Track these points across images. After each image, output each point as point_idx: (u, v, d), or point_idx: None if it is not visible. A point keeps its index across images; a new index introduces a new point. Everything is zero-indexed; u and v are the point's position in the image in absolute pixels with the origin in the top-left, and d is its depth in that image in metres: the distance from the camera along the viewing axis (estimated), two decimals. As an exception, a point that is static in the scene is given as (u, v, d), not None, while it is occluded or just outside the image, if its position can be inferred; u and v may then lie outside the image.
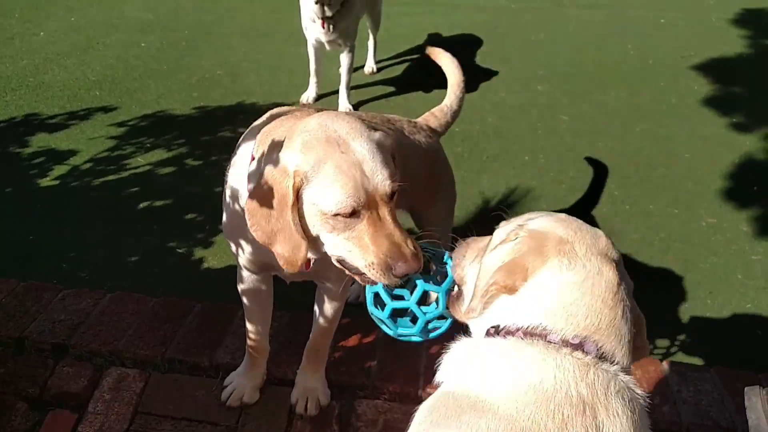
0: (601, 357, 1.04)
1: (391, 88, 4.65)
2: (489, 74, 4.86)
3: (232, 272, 2.80)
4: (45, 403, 1.98)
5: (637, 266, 2.96)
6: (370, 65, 4.87)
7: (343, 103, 4.29)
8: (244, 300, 1.93)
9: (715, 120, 4.30)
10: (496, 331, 1.11)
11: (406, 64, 5.04)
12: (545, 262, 1.10)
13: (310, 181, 1.38)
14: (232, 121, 3.95)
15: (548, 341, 1.04)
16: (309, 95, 4.39)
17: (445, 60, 2.49)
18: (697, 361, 2.42)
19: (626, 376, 1.05)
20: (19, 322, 2.19)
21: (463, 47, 5.30)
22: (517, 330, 1.07)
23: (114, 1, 6.15)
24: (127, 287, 2.52)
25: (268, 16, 5.92)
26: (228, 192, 1.69)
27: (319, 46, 4.19)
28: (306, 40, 4.24)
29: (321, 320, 1.91)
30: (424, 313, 1.37)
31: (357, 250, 1.40)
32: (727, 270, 2.99)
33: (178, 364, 2.10)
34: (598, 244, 1.14)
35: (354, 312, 2.45)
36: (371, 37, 4.80)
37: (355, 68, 4.39)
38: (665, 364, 2.23)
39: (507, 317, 1.11)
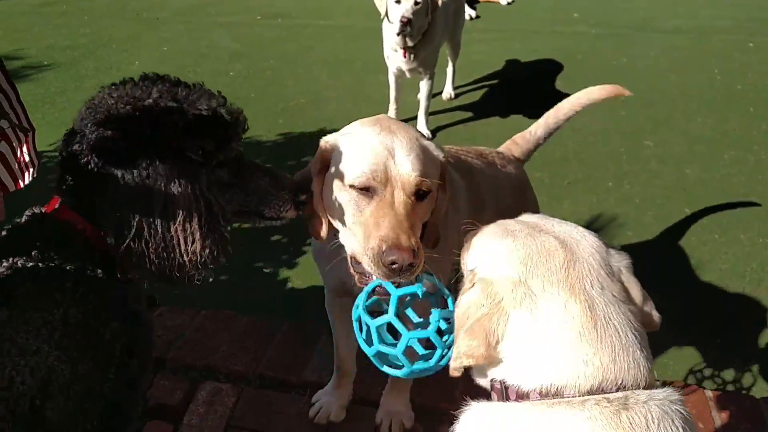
0: (623, 388, 0.96)
1: (469, 114, 4.69)
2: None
3: (314, 292, 2.91)
4: (143, 414, 2.08)
5: (728, 297, 2.85)
6: (448, 91, 4.93)
7: (422, 128, 4.34)
8: (332, 321, 1.98)
9: (811, 147, 4.10)
10: (504, 388, 1.02)
11: (483, 90, 5.06)
12: (508, 320, 1.00)
13: (339, 149, 1.46)
14: (315, 147, 4.05)
15: (568, 400, 0.95)
16: (388, 121, 4.47)
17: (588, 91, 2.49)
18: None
19: (657, 392, 0.96)
20: None
21: (542, 73, 5.28)
22: (532, 391, 0.98)
23: (204, 32, 6.48)
24: (217, 305, 2.62)
25: (348, 45, 6.10)
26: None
27: (400, 74, 4.28)
28: (387, 68, 4.35)
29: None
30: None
31: (360, 233, 1.37)
32: (825, 304, 2.83)
33: (268, 381, 2.17)
34: (552, 269, 1.02)
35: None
36: (450, 63, 4.86)
37: (433, 94, 4.45)
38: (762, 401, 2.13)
39: (509, 374, 1.01)
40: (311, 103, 4.83)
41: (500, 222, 1.20)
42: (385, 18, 3.98)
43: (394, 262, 1.29)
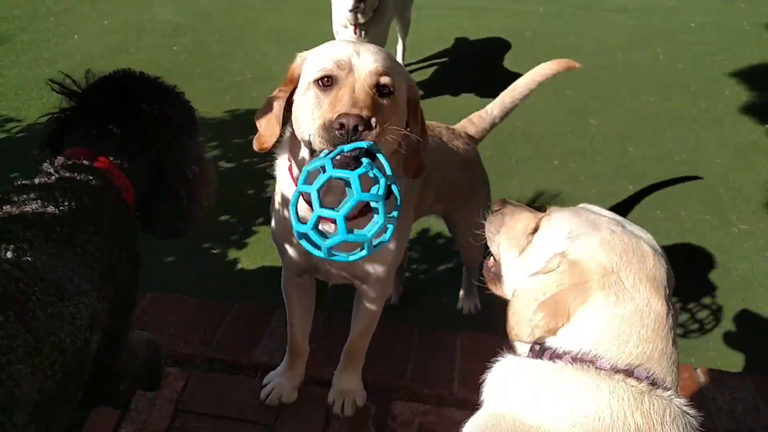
0: (653, 383, 1.02)
1: (419, 92, 4.67)
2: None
3: (265, 273, 2.89)
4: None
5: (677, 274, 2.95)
6: (398, 69, 4.90)
7: (372, 106, 4.31)
8: (287, 301, 1.97)
9: (748, 126, 4.26)
10: (541, 350, 1.09)
11: (434, 68, 5.06)
12: (588, 299, 1.06)
13: (306, 61, 1.50)
14: (263, 124, 4.00)
15: (598, 368, 1.02)
16: (338, 98, 4.42)
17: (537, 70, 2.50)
18: (732, 368, 2.42)
19: (679, 399, 1.03)
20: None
21: (491, 51, 5.31)
22: (565, 354, 1.05)
23: (146, 5, 6.25)
24: (164, 287, 2.57)
25: (296, 19, 5.98)
26: (277, 197, 1.73)
27: (350, 50, 4.23)
28: (336, 44, 4.29)
29: (359, 323, 1.94)
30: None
31: (318, 118, 1.35)
32: (760, 276, 2.97)
33: (217, 364, 2.15)
34: (645, 268, 1.09)
35: (391, 314, 2.49)
36: (400, 41, 4.82)
37: (384, 72, 4.42)
38: (700, 371, 2.23)
39: (554, 339, 1.08)
40: (259, 79, 4.74)
41: (579, 209, 1.24)
42: (335, -7, 3.92)
43: (342, 125, 1.28)
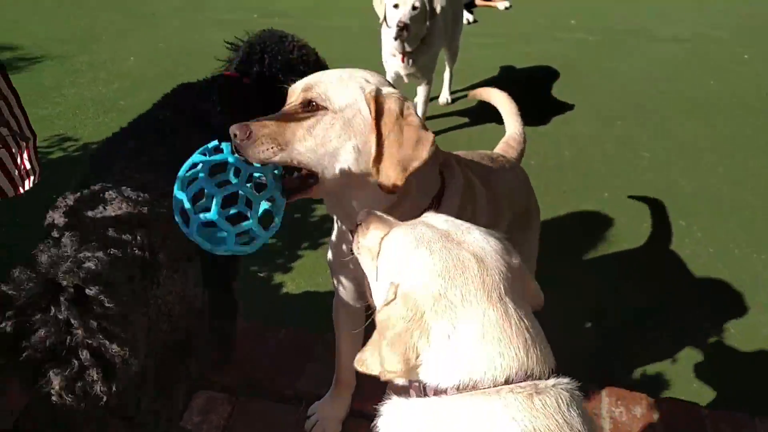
0: (532, 377, 1.02)
1: (465, 119, 4.68)
2: (564, 107, 4.82)
3: (310, 298, 2.90)
4: (137, 421, 2.06)
5: (723, 311, 2.86)
6: (445, 96, 4.91)
7: (419, 133, 4.32)
8: (337, 329, 1.96)
9: (805, 160, 4.14)
10: (422, 387, 1.06)
11: (480, 96, 5.05)
12: (430, 332, 1.04)
13: None
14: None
15: (483, 391, 1.01)
16: (384, 124, 4.44)
17: (494, 95, 2.51)
18: None
19: (561, 380, 1.04)
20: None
21: (538, 79, 5.29)
22: (448, 387, 1.03)
23: (199, 30, 6.43)
24: (211, 310, 2.59)
25: (345, 46, 6.06)
26: (335, 231, 1.74)
27: (398, 79, 4.26)
28: (384, 72, 4.33)
29: None
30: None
31: None
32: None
33: (263, 391, 2.15)
34: (469, 279, 1.07)
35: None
36: (447, 68, 4.85)
37: (430, 98, 4.44)
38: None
39: (428, 373, 1.05)
40: (307, 104, 4.79)
41: (409, 225, 1.20)
42: (384, 22, 3.96)
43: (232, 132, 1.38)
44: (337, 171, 1.43)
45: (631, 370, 2.54)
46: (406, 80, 4.22)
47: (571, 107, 4.81)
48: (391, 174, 1.41)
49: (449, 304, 1.04)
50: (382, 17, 3.96)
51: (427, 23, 3.89)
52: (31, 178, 1.70)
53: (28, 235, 1.56)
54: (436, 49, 4.18)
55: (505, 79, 5.37)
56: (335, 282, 1.82)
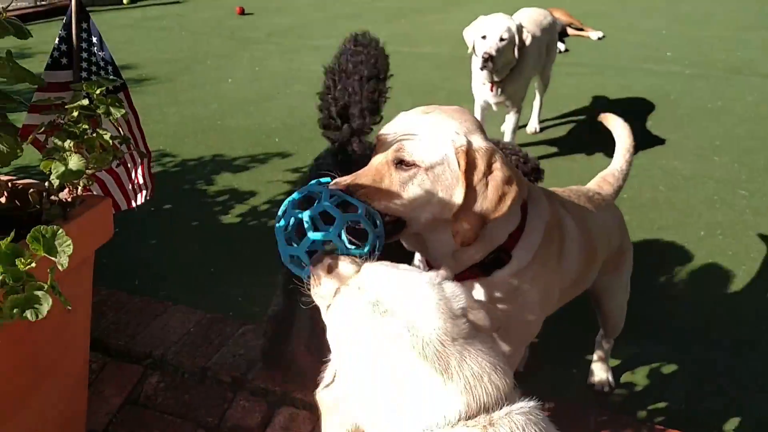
0: (487, 411, 1.01)
1: (554, 149, 4.61)
2: (659, 141, 4.67)
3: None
4: (221, 432, 2.12)
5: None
6: (534, 125, 4.87)
7: (506, 162, 4.29)
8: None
9: None
10: None
11: (570, 125, 4.98)
12: (371, 414, 1.04)
13: None
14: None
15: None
16: (471, 152, 4.44)
17: (618, 124, 2.44)
18: None
19: (516, 405, 1.03)
20: (204, 352, 2.37)
21: (632, 111, 5.15)
22: None
23: (295, 54, 6.67)
24: (295, 327, 2.65)
25: (434, 73, 6.13)
26: (418, 255, 1.76)
27: (486, 106, 4.26)
28: (473, 98, 4.34)
29: None
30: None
31: None
32: None
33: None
34: (403, 349, 1.04)
35: (519, 381, 2.41)
36: (538, 97, 4.81)
37: (519, 126, 4.41)
38: None
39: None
40: (395, 130, 4.86)
41: (348, 292, 1.16)
42: (473, 51, 3.99)
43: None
44: (422, 220, 1.49)
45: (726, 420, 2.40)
46: (495, 108, 4.22)
47: (666, 142, 4.65)
48: (467, 228, 1.46)
49: (386, 382, 1.04)
50: (471, 47, 3.99)
51: (516, 53, 3.88)
52: (144, 192, 1.80)
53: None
54: (525, 79, 4.16)
55: (597, 110, 5.26)
56: None
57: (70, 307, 1.04)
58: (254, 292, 3.02)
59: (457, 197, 1.46)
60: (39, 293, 0.98)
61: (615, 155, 2.37)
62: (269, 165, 4.27)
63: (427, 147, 1.45)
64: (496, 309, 1.50)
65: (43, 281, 1.01)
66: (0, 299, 0.97)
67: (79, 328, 1.69)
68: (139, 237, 3.40)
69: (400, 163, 1.45)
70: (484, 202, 1.46)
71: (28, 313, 0.96)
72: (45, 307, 0.98)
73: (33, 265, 0.98)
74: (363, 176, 1.45)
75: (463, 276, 1.57)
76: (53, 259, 1.03)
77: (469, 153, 1.45)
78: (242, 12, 8.61)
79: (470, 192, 1.45)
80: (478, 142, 1.48)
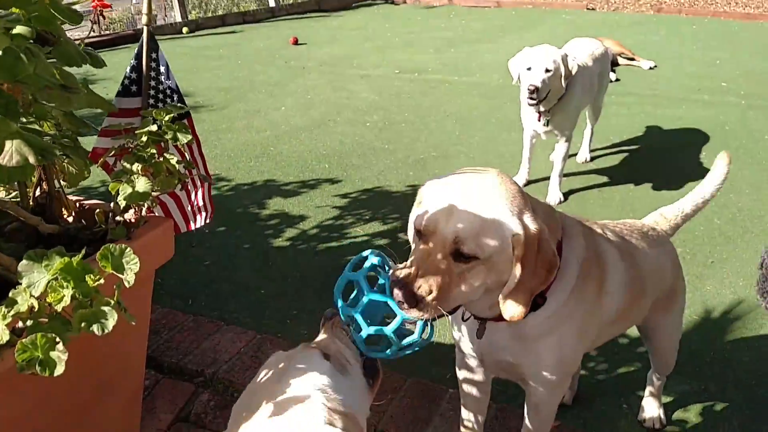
0: None
1: (604, 179, 4.56)
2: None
3: (436, 350, 2.90)
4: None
5: None
6: (584, 154, 4.83)
7: (554, 190, 4.27)
8: (462, 386, 1.96)
9: None
10: None
11: (621, 155, 4.92)
12: None
13: (422, 196, 1.56)
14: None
15: None
16: (519, 180, 4.44)
17: (719, 165, 2.36)
18: None
19: None
20: (254, 371, 2.40)
21: (686, 143, 5.06)
22: None
23: (345, 83, 6.81)
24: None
25: (483, 102, 6.16)
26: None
27: (535, 135, 4.26)
28: (521, 126, 4.34)
29: (528, 421, 1.87)
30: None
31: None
32: None
33: (388, 437, 2.18)
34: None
35: (565, 414, 2.38)
36: (589, 126, 4.78)
37: (569, 155, 4.38)
38: None
39: None
40: (442, 157, 4.91)
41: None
42: (519, 82, 4.00)
43: (392, 290, 1.43)
44: (476, 299, 1.53)
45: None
46: (543, 137, 4.21)
47: (721, 173, 4.54)
48: (521, 309, 1.49)
49: None
50: (516, 78, 4.01)
51: (563, 84, 3.87)
52: (203, 215, 1.87)
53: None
54: (574, 108, 4.14)
55: (650, 141, 5.19)
56: (457, 336, 1.83)
57: (134, 323, 1.10)
58: (303, 314, 3.07)
59: (512, 281, 1.47)
60: (106, 309, 1.03)
61: (689, 194, 2.30)
62: (319, 190, 4.35)
63: (485, 238, 1.44)
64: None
65: (109, 297, 1.07)
66: (70, 314, 1.03)
67: (137, 346, 1.76)
68: (194, 258, 3.51)
69: (459, 256, 1.44)
70: (535, 279, 1.48)
71: (95, 327, 1.02)
72: (111, 322, 1.03)
73: (101, 281, 1.04)
74: (421, 268, 1.45)
75: (500, 319, 1.58)
76: (120, 276, 1.09)
77: (527, 240, 1.45)
78: (296, 42, 8.84)
79: (524, 275, 1.46)
80: (530, 224, 1.47)
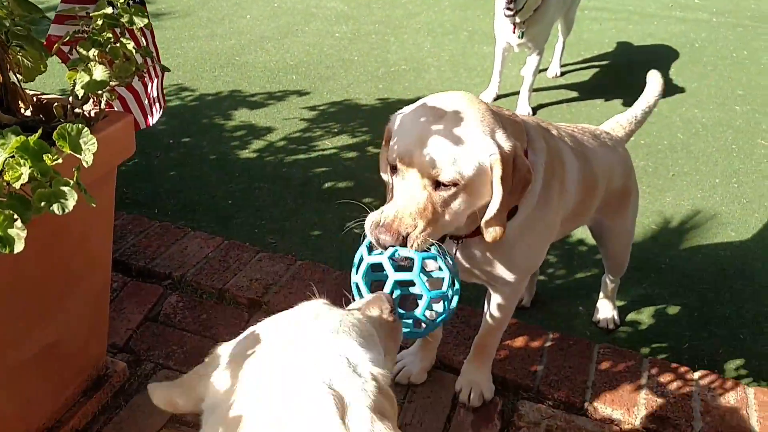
0: None
1: (574, 94, 4.56)
2: (680, 89, 4.60)
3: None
4: (237, 350, 2.20)
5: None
6: (554, 69, 4.81)
7: (523, 104, 4.27)
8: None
9: None
10: None
11: (591, 71, 4.91)
12: None
13: (394, 128, 1.55)
14: (413, 114, 4.09)
15: None
16: (489, 94, 4.42)
17: (653, 78, 2.45)
18: None
19: None
20: (222, 276, 2.45)
21: (655, 58, 5.06)
22: None
23: (312, -9, 6.56)
24: (308, 257, 2.72)
25: (455, 14, 6.03)
26: None
27: (508, 48, 4.21)
28: (494, 40, 4.28)
29: (489, 320, 1.93)
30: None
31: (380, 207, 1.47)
32: None
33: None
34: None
35: (524, 315, 2.47)
36: (560, 40, 4.73)
37: (539, 70, 4.36)
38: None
39: None
40: (412, 70, 4.83)
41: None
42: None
43: (377, 239, 1.42)
44: (461, 224, 1.55)
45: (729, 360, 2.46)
46: (516, 50, 4.17)
47: (687, 90, 4.58)
48: (500, 229, 1.52)
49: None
50: (494, -14, 3.92)
51: (540, -7, 3.81)
52: (157, 107, 1.83)
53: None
54: (548, 21, 4.09)
55: (620, 56, 5.18)
56: None
57: (94, 205, 1.09)
58: (270, 224, 3.08)
59: (495, 202, 1.48)
60: (65, 189, 1.02)
61: (636, 103, 2.38)
62: (286, 102, 4.28)
63: (463, 162, 1.42)
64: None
65: (68, 178, 1.05)
66: (29, 194, 1.02)
67: (101, 244, 1.75)
68: (159, 168, 3.46)
69: (438, 185, 1.43)
70: (512, 197, 1.51)
71: (55, 207, 1.01)
72: (71, 201, 1.02)
73: (60, 161, 1.03)
74: (403, 204, 1.43)
75: (474, 234, 1.62)
76: (78, 156, 1.08)
77: (503, 159, 1.45)
78: (261, -52, 8.43)
79: (504, 195, 1.47)
80: (503, 143, 1.46)
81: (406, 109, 1.57)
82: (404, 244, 1.41)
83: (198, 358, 2.11)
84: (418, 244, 1.41)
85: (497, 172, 1.45)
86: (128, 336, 2.21)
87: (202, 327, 2.26)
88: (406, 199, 1.43)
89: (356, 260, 1.50)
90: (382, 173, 1.70)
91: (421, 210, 1.42)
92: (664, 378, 2.12)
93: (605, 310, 2.57)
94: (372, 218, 1.45)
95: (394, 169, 1.49)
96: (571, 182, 1.77)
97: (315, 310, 1.09)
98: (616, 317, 2.57)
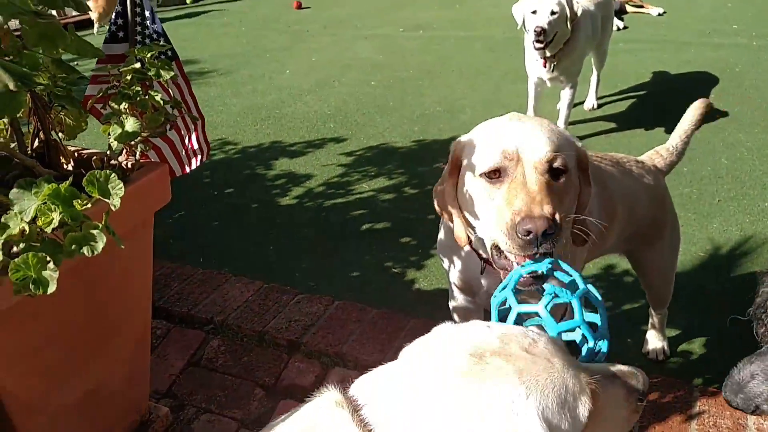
0: None
1: (612, 125, 4.52)
2: (723, 114, 4.51)
3: (440, 295, 2.94)
4: (278, 392, 2.22)
5: None
6: (591, 101, 4.79)
7: (560, 139, 4.25)
8: (454, 317, 2.00)
9: None
10: None
11: (629, 101, 4.87)
12: None
13: (471, 143, 1.45)
14: (446, 154, 4.08)
15: None
16: (525, 131, 4.41)
17: (693, 105, 2.40)
18: None
19: None
20: (262, 318, 2.48)
21: (695, 85, 4.99)
22: None
23: (349, 44, 6.77)
24: (348, 298, 2.73)
25: (487, 55, 6.11)
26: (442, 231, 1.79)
27: (540, 83, 4.23)
28: (526, 78, 4.31)
29: None
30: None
31: (494, 217, 1.34)
32: None
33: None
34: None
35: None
36: (595, 73, 4.72)
37: (575, 104, 4.35)
38: None
39: None
40: (447, 112, 4.89)
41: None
42: (523, 27, 3.96)
43: (528, 232, 1.27)
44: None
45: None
46: (548, 84, 4.18)
47: (730, 114, 4.49)
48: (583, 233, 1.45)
49: None
50: (520, 23, 3.97)
51: (568, 26, 3.83)
52: (198, 157, 1.91)
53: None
54: (579, 53, 4.10)
55: (657, 85, 5.12)
56: (446, 266, 1.85)
57: (122, 246, 1.14)
58: (310, 267, 3.12)
59: (586, 196, 1.48)
60: (94, 232, 1.07)
61: (674, 131, 2.33)
62: (324, 149, 4.37)
63: (566, 150, 1.40)
64: None
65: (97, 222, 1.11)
66: (61, 238, 1.07)
67: (140, 290, 1.81)
68: (204, 219, 3.56)
69: (554, 171, 1.37)
70: (586, 195, 1.51)
71: (85, 249, 1.06)
72: (100, 244, 1.07)
73: (89, 206, 1.08)
74: (534, 197, 1.31)
75: None
76: (107, 201, 1.13)
77: (584, 153, 1.48)
78: (299, 6, 8.78)
79: (588, 185, 1.48)
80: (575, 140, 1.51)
81: (473, 132, 1.52)
82: (550, 230, 1.27)
83: (239, 401, 2.15)
84: (564, 233, 1.32)
85: (584, 163, 1.47)
86: (171, 381, 2.25)
87: (244, 370, 2.29)
88: (527, 189, 1.33)
89: (496, 302, 1.29)
90: (441, 207, 1.60)
91: (546, 193, 1.32)
92: (716, 408, 2.03)
93: (654, 340, 2.49)
94: (502, 223, 1.32)
95: (493, 174, 1.38)
96: (592, 205, 1.75)
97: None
98: (666, 347, 2.48)
